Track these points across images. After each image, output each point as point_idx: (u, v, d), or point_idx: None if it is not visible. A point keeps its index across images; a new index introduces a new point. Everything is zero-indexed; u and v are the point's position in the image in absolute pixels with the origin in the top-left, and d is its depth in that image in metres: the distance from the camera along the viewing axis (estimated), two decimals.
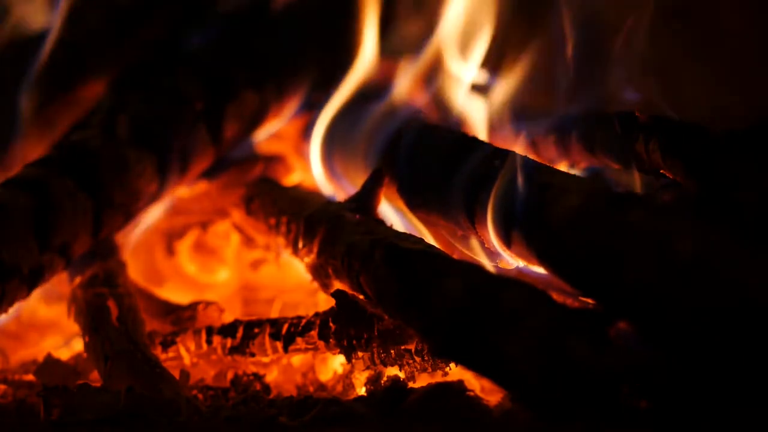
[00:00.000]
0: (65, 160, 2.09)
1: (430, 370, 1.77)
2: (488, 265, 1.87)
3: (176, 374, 1.86)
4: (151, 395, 1.73)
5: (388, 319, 1.78)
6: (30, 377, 2.03)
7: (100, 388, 1.79)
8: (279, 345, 1.92)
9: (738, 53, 2.52)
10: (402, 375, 1.78)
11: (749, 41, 2.51)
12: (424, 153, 2.04)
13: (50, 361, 2.03)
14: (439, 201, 1.96)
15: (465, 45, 2.33)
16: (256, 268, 2.38)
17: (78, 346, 2.10)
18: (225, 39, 2.43)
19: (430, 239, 1.99)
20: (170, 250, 2.40)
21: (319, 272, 1.95)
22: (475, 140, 2.00)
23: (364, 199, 2.05)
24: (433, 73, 2.30)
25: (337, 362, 1.96)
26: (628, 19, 2.14)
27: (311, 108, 2.40)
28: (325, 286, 1.95)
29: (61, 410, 1.71)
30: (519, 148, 2.14)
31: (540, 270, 1.72)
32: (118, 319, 1.97)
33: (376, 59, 2.31)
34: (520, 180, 1.75)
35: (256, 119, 2.39)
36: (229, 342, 1.96)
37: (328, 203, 2.13)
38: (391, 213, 2.10)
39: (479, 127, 2.17)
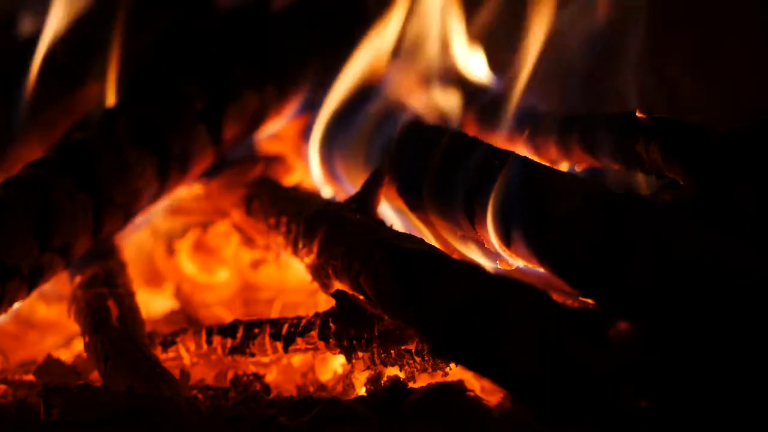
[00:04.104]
0: (65, 160, 2.09)
1: (430, 370, 1.77)
2: (488, 265, 1.87)
3: (176, 374, 1.86)
4: (151, 395, 1.73)
5: (388, 319, 1.78)
6: (30, 377, 2.03)
7: (100, 388, 1.79)
8: (279, 345, 1.92)
9: (737, 53, 2.52)
10: (402, 375, 1.78)
11: (748, 41, 2.51)
12: (423, 153, 2.04)
13: (50, 361, 2.03)
14: (439, 201, 1.96)
15: (465, 44, 2.33)
16: (256, 268, 2.38)
17: (78, 346, 2.10)
18: (225, 38, 2.43)
19: (430, 239, 1.99)
20: (170, 250, 2.40)
21: (319, 272, 1.95)
22: (474, 140, 2.00)
23: (364, 200, 2.05)
24: (433, 73, 2.30)
25: (337, 362, 1.96)
26: (629, 21, 2.14)
27: (312, 108, 2.40)
28: (325, 287, 1.94)
29: (61, 410, 1.71)
30: (519, 148, 2.14)
31: (540, 270, 1.72)
32: (118, 319, 1.97)
33: (375, 59, 2.31)
34: (520, 180, 1.75)
35: (257, 119, 2.39)
36: (229, 342, 1.96)
37: (328, 203, 2.13)
38: (391, 213, 2.10)
39: (479, 127, 2.17)
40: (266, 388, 1.91)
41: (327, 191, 2.30)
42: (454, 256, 1.88)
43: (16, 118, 2.29)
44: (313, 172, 2.31)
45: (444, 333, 1.52)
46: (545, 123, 2.13)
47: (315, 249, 1.97)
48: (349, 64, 2.31)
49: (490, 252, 1.87)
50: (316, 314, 1.90)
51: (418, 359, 1.77)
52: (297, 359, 1.99)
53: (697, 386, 1.37)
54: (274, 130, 2.46)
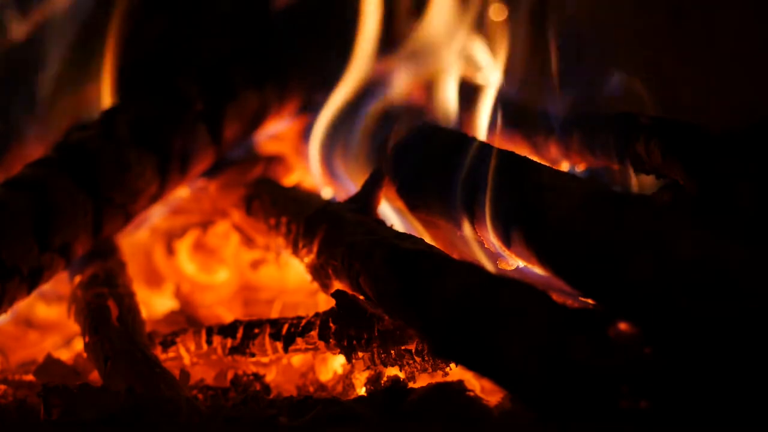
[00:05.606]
0: (65, 160, 2.09)
1: (430, 370, 1.77)
2: (488, 265, 1.87)
3: (176, 374, 1.86)
4: (151, 395, 1.73)
5: (388, 319, 1.78)
6: (30, 377, 2.03)
7: (100, 388, 1.79)
8: (279, 345, 1.92)
9: (735, 53, 2.52)
10: (402, 375, 1.78)
11: (745, 41, 2.51)
12: (423, 153, 2.04)
13: (50, 361, 2.03)
14: (439, 201, 1.96)
15: (465, 44, 2.33)
16: (256, 268, 2.38)
17: (78, 346, 2.10)
18: (225, 39, 2.44)
19: (430, 239, 1.99)
20: (170, 250, 2.40)
21: (319, 273, 1.95)
22: (474, 140, 2.00)
23: (364, 200, 2.05)
24: (433, 72, 2.30)
25: (337, 362, 1.96)
26: (624, 20, 2.15)
27: (312, 108, 2.40)
28: (325, 287, 1.95)
29: (61, 410, 1.71)
30: (520, 148, 2.14)
31: (540, 270, 1.72)
32: (118, 319, 1.97)
33: (375, 58, 2.31)
34: (519, 180, 1.75)
35: (257, 119, 2.39)
36: (229, 342, 1.96)
37: (328, 203, 2.13)
38: (391, 213, 2.10)
39: (480, 127, 2.17)
40: (266, 388, 1.91)
41: (327, 191, 2.30)
42: (454, 256, 1.88)
43: (15, 118, 2.29)
44: (313, 172, 2.31)
45: (444, 333, 1.52)
46: (545, 123, 2.13)
47: (315, 249, 1.97)
48: (349, 63, 2.31)
49: (490, 252, 1.87)
50: (316, 314, 1.90)
51: (418, 359, 1.77)
52: (297, 359, 1.99)
53: (697, 386, 1.37)
54: (275, 131, 2.46)
